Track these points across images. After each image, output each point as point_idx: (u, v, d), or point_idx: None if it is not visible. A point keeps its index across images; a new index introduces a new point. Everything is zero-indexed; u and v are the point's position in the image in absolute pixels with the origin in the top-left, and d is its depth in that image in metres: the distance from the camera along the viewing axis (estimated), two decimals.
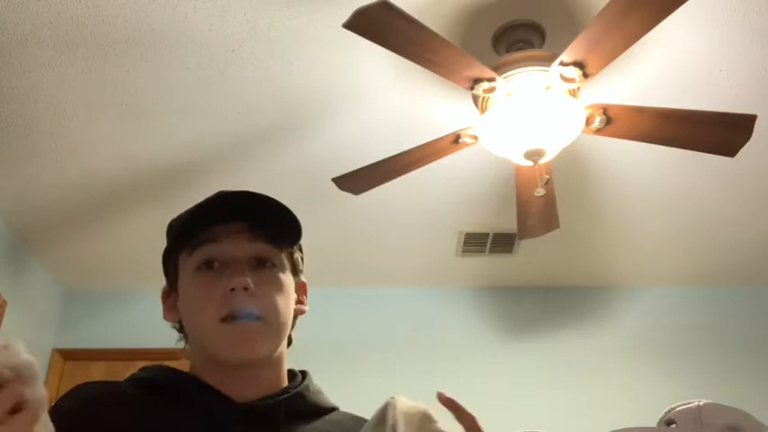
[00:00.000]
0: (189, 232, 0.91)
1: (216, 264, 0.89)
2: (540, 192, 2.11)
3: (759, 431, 0.75)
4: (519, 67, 1.99)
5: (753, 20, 2.11)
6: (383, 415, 0.85)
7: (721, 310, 3.58)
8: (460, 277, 3.55)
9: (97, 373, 3.16)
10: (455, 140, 2.16)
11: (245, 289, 0.86)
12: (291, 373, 0.96)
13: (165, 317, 0.96)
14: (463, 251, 3.32)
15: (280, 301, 0.90)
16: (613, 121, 2.07)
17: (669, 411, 0.81)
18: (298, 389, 0.92)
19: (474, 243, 3.26)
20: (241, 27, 2.08)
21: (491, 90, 1.96)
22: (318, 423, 0.91)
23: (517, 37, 2.12)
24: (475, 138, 2.14)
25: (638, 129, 2.09)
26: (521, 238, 2.60)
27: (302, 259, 1.00)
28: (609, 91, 2.32)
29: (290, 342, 0.97)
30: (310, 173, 2.70)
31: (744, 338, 3.47)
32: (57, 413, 0.74)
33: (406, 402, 0.89)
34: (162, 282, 0.97)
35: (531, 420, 3.13)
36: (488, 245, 3.27)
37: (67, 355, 3.31)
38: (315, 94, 2.35)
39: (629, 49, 1.81)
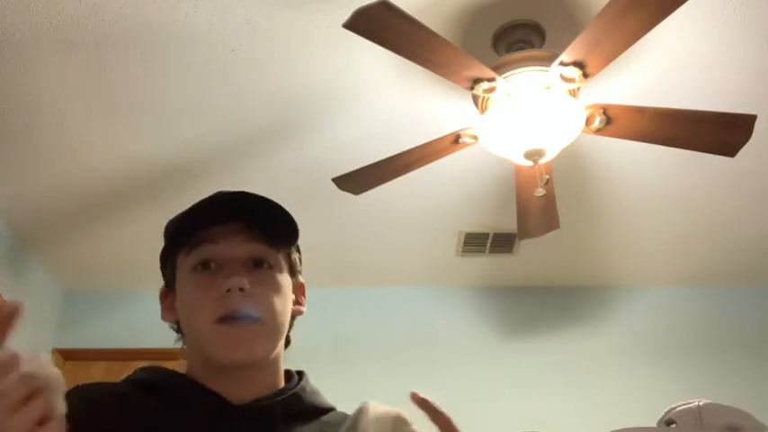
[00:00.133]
0: (186, 232, 0.91)
1: (212, 264, 0.89)
2: (540, 192, 2.11)
3: (759, 431, 0.75)
4: (519, 67, 1.99)
5: (753, 20, 2.11)
6: (355, 421, 0.85)
7: (721, 310, 3.58)
8: (460, 277, 3.55)
9: (97, 373, 3.16)
10: (455, 140, 2.16)
11: (242, 290, 0.86)
12: (288, 374, 0.96)
13: (163, 317, 0.95)
14: (463, 251, 3.32)
15: (276, 301, 0.90)
16: (613, 121, 2.07)
17: (669, 411, 0.81)
18: (294, 389, 0.92)
19: (474, 243, 3.26)
20: (241, 27, 2.08)
21: (491, 90, 1.96)
22: (315, 424, 0.91)
23: (517, 37, 2.12)
24: (475, 138, 2.14)
25: (638, 129, 2.09)
26: (521, 238, 2.60)
27: (300, 260, 1.00)
28: (609, 91, 2.32)
29: (288, 343, 0.97)
30: (310, 173, 2.70)
31: (744, 338, 3.47)
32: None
33: (379, 407, 0.90)
34: (162, 282, 0.97)
35: (531, 420, 3.13)
36: (488, 245, 3.27)
37: (67, 355, 3.31)
38: (315, 94, 2.35)
39: (629, 49, 1.81)
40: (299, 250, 0.99)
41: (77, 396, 0.86)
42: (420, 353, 3.40)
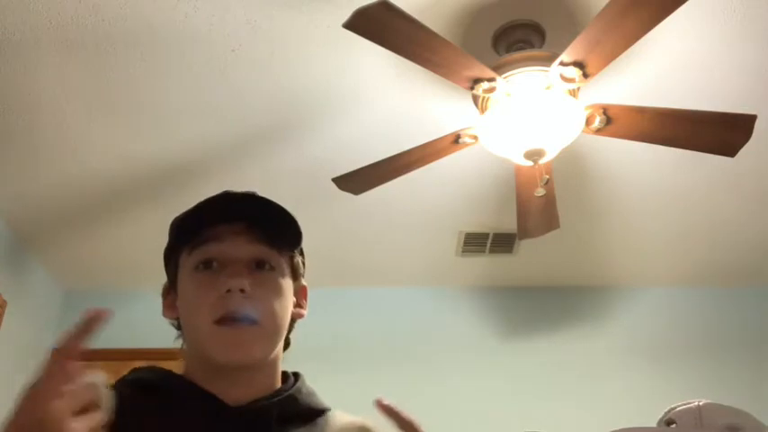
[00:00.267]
0: (190, 231, 0.91)
1: (215, 264, 0.89)
2: (540, 192, 2.11)
3: (759, 431, 0.75)
4: (519, 67, 1.99)
5: (753, 20, 2.11)
6: None
7: (721, 310, 3.58)
8: (460, 277, 3.55)
9: None
10: (455, 140, 2.16)
11: (242, 291, 0.86)
12: (284, 375, 0.96)
13: (164, 314, 0.96)
14: (463, 251, 3.32)
15: (276, 304, 0.90)
16: (613, 121, 2.07)
17: (669, 411, 0.81)
18: (290, 391, 0.91)
19: (474, 243, 3.26)
20: (241, 27, 2.08)
21: (491, 90, 1.96)
22: (311, 425, 0.91)
23: (517, 37, 2.12)
24: (475, 138, 2.14)
25: (638, 129, 2.09)
26: (521, 238, 2.60)
27: (303, 263, 1.00)
28: (609, 91, 2.32)
29: (287, 345, 0.97)
30: (310, 173, 2.70)
31: (743, 339, 3.47)
32: None
33: (344, 417, 0.90)
34: (162, 282, 0.97)
35: (531, 420, 3.13)
36: (488, 245, 3.27)
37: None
38: (315, 94, 2.35)
39: (629, 49, 1.81)
40: (302, 253, 0.99)
41: None
42: (420, 353, 3.40)
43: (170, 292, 0.95)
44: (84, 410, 0.64)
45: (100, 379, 0.67)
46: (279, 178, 2.73)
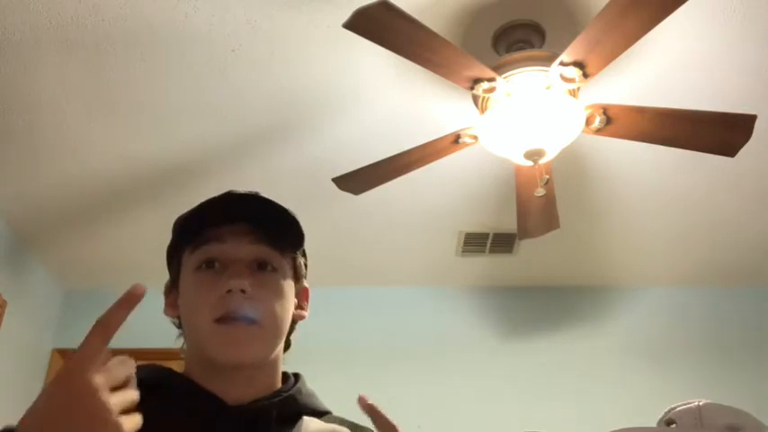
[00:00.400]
0: (193, 230, 0.91)
1: (217, 264, 0.89)
2: (540, 192, 2.11)
3: (759, 431, 0.75)
4: (519, 67, 1.99)
5: (753, 20, 2.11)
6: None
7: (721, 310, 3.58)
8: (460, 277, 3.55)
9: None
10: (455, 140, 2.16)
11: (243, 291, 0.86)
12: (284, 376, 0.96)
13: (166, 312, 0.96)
14: (463, 251, 3.32)
15: (277, 305, 0.90)
16: (613, 121, 2.07)
17: (669, 411, 0.81)
18: (290, 391, 0.91)
19: (474, 243, 3.26)
20: (241, 27, 2.08)
21: (491, 90, 1.96)
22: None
23: (517, 37, 2.12)
24: (475, 138, 2.14)
25: (638, 129, 2.09)
26: (521, 239, 2.60)
27: (306, 265, 1.00)
28: (609, 91, 2.32)
29: (288, 346, 0.97)
30: (310, 173, 2.70)
31: (743, 339, 3.47)
32: None
33: (316, 425, 0.90)
34: (162, 282, 0.97)
35: (531, 420, 3.13)
36: (488, 245, 3.27)
37: (67, 355, 3.30)
38: (315, 94, 2.35)
39: (629, 49, 1.81)
40: (304, 255, 0.99)
41: None
42: (420, 353, 3.40)
43: (172, 290, 0.96)
44: (119, 387, 0.65)
45: (131, 367, 0.69)
46: (279, 178, 2.73)
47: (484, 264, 3.44)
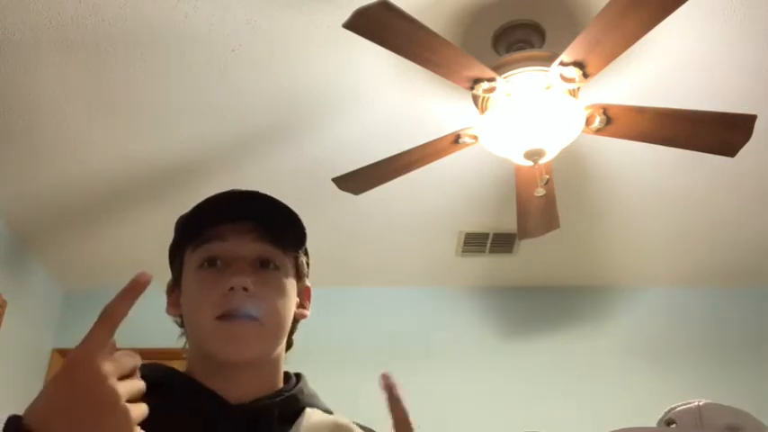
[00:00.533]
0: (195, 228, 0.91)
1: (219, 262, 0.89)
2: (540, 192, 2.11)
3: (759, 431, 0.75)
4: (519, 67, 1.99)
5: (753, 20, 2.11)
6: None
7: (721, 310, 3.58)
8: (460, 277, 3.55)
9: None
10: (455, 140, 2.16)
11: (245, 289, 0.86)
12: (286, 376, 0.96)
13: (168, 311, 0.96)
14: (463, 251, 3.32)
15: (279, 303, 0.90)
16: (613, 121, 2.07)
17: (669, 411, 0.81)
18: (292, 391, 0.91)
19: (474, 243, 3.26)
20: (241, 27, 2.08)
21: (491, 90, 1.96)
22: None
23: (517, 37, 2.12)
24: (475, 138, 2.14)
25: (638, 129, 2.09)
26: (521, 238, 2.60)
27: (308, 263, 1.00)
28: (609, 91, 2.32)
29: (290, 345, 0.97)
30: (310, 173, 2.70)
31: (743, 339, 3.47)
32: None
33: (317, 416, 0.90)
34: (162, 282, 0.97)
35: (531, 420, 3.13)
36: (488, 245, 3.27)
37: (72, 349, 3.30)
38: (315, 94, 2.35)
39: (629, 49, 1.81)
40: (307, 254, 1.00)
41: None
42: (420, 353, 3.40)
43: (174, 289, 0.96)
44: (125, 377, 0.65)
45: (137, 359, 0.70)
46: (279, 178, 2.73)
47: (484, 264, 3.44)
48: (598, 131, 2.10)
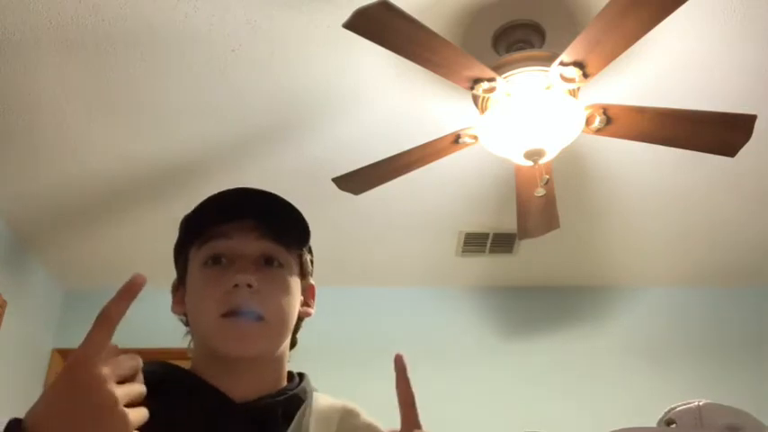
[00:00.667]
0: (199, 226, 0.92)
1: (223, 259, 0.90)
2: (540, 192, 2.11)
3: (759, 431, 0.75)
4: (519, 67, 1.99)
5: (753, 20, 2.11)
6: (300, 418, 0.85)
7: (721, 310, 3.58)
8: (460, 277, 3.55)
9: None
10: (455, 140, 2.16)
11: (249, 286, 0.86)
12: (290, 375, 0.96)
13: (173, 309, 0.96)
14: (463, 251, 3.32)
15: (283, 301, 0.90)
16: (613, 121, 2.07)
17: (669, 411, 0.81)
18: (295, 390, 0.92)
19: (474, 243, 3.26)
20: (241, 27, 2.08)
21: (491, 90, 1.96)
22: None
23: (517, 37, 2.12)
24: (475, 138, 2.14)
25: (638, 129, 2.09)
26: (521, 239, 2.60)
27: (312, 262, 1.00)
28: (609, 91, 2.32)
29: (294, 344, 0.97)
30: (310, 173, 2.70)
31: (743, 339, 3.47)
32: None
33: (326, 401, 0.90)
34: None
35: (531, 420, 3.13)
36: (488, 245, 3.27)
37: (67, 355, 3.30)
38: (315, 94, 2.35)
39: (629, 49, 1.81)
40: (311, 252, 1.00)
41: None
42: (420, 353, 3.39)
43: (179, 287, 0.96)
44: (125, 380, 0.65)
45: (138, 361, 0.70)
46: (279, 178, 2.73)
47: (484, 264, 3.44)
48: (598, 131, 2.10)
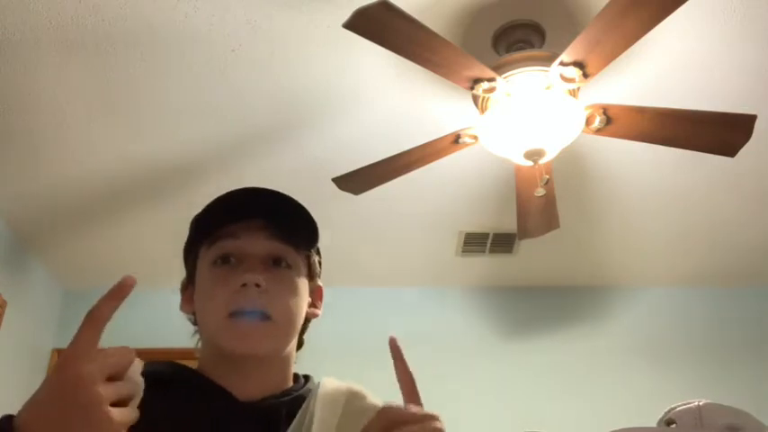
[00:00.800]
0: (208, 226, 0.92)
1: (232, 259, 0.90)
2: (540, 192, 2.11)
3: (759, 431, 0.75)
4: (519, 67, 1.99)
5: (753, 20, 2.11)
6: (307, 403, 0.86)
7: (721, 310, 3.58)
8: (461, 277, 3.55)
9: None
10: (455, 140, 2.16)
11: (257, 286, 0.87)
12: (295, 376, 0.97)
13: (182, 308, 0.97)
14: (463, 251, 3.32)
15: (290, 301, 0.90)
16: (613, 121, 2.07)
17: (669, 411, 0.81)
18: (299, 391, 0.92)
19: (474, 243, 3.26)
20: (241, 27, 2.08)
21: (491, 90, 1.96)
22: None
23: (517, 37, 2.12)
24: (475, 138, 2.14)
25: (638, 129, 2.08)
26: (521, 239, 2.60)
27: (320, 263, 1.00)
28: (609, 91, 2.32)
29: (300, 344, 0.97)
30: (310, 173, 2.70)
31: (743, 339, 3.47)
32: None
33: (332, 384, 0.90)
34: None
35: (531, 420, 3.13)
36: (488, 245, 3.27)
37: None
38: (315, 94, 2.35)
39: (629, 49, 1.81)
40: (319, 253, 1.00)
41: None
42: (420, 353, 3.37)
43: (188, 286, 0.97)
44: (115, 378, 0.65)
45: (136, 365, 0.69)
46: (279, 178, 2.73)
47: (484, 264, 3.44)
48: (598, 131, 2.10)
